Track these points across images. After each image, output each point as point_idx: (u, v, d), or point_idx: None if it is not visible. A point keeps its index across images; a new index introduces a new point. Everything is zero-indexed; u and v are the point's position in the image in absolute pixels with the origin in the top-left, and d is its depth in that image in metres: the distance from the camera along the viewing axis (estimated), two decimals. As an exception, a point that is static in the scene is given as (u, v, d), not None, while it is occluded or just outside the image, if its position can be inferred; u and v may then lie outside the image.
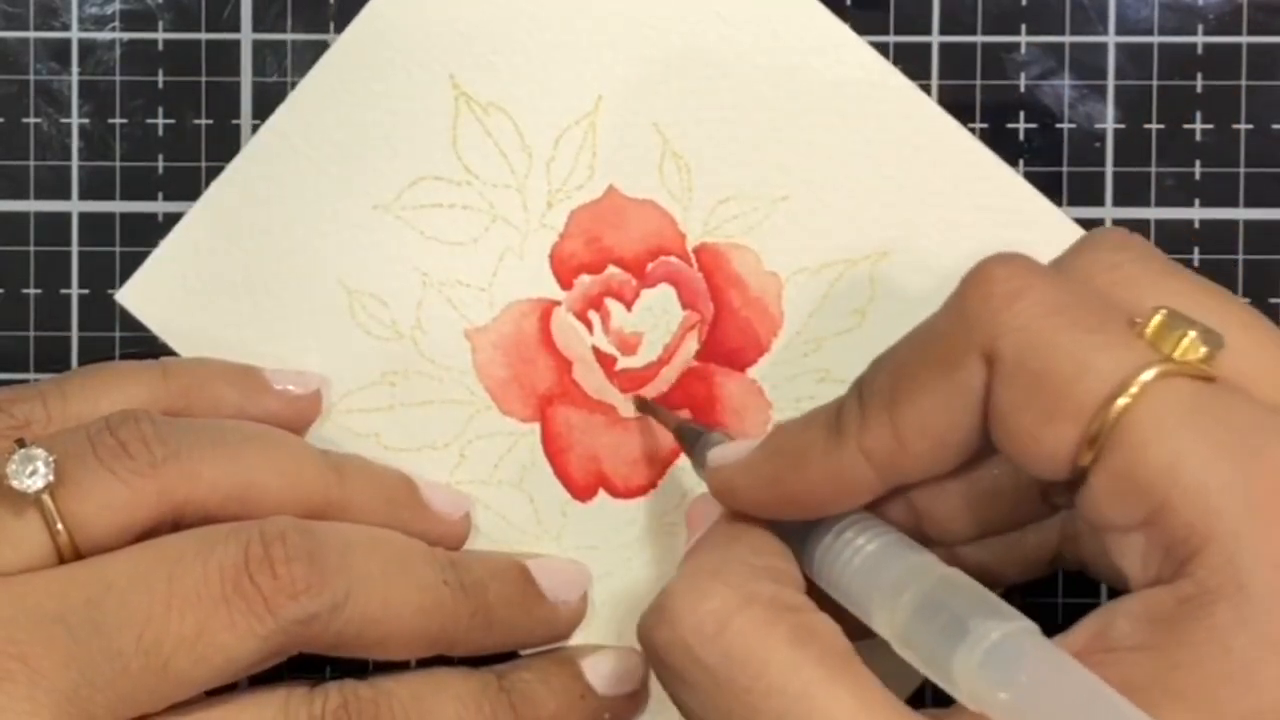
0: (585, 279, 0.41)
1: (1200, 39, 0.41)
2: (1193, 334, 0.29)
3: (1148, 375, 0.28)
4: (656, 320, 0.41)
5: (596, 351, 0.41)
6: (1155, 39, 0.41)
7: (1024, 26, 0.41)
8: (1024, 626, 0.29)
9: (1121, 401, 0.28)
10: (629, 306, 0.41)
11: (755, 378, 0.40)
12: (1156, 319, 0.29)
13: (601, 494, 0.41)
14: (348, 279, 0.40)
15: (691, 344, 0.41)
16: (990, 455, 0.32)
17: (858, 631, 0.31)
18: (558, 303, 0.41)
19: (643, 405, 0.40)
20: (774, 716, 0.29)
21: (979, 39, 0.41)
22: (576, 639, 0.40)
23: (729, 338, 0.41)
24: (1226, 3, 0.41)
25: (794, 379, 0.40)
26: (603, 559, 0.40)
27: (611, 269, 0.41)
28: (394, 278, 0.41)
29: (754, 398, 0.40)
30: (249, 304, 0.40)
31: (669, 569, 0.40)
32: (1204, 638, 0.28)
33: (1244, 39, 0.41)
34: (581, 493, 0.41)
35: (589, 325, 0.41)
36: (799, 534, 0.33)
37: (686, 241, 0.40)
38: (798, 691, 0.29)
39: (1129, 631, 0.29)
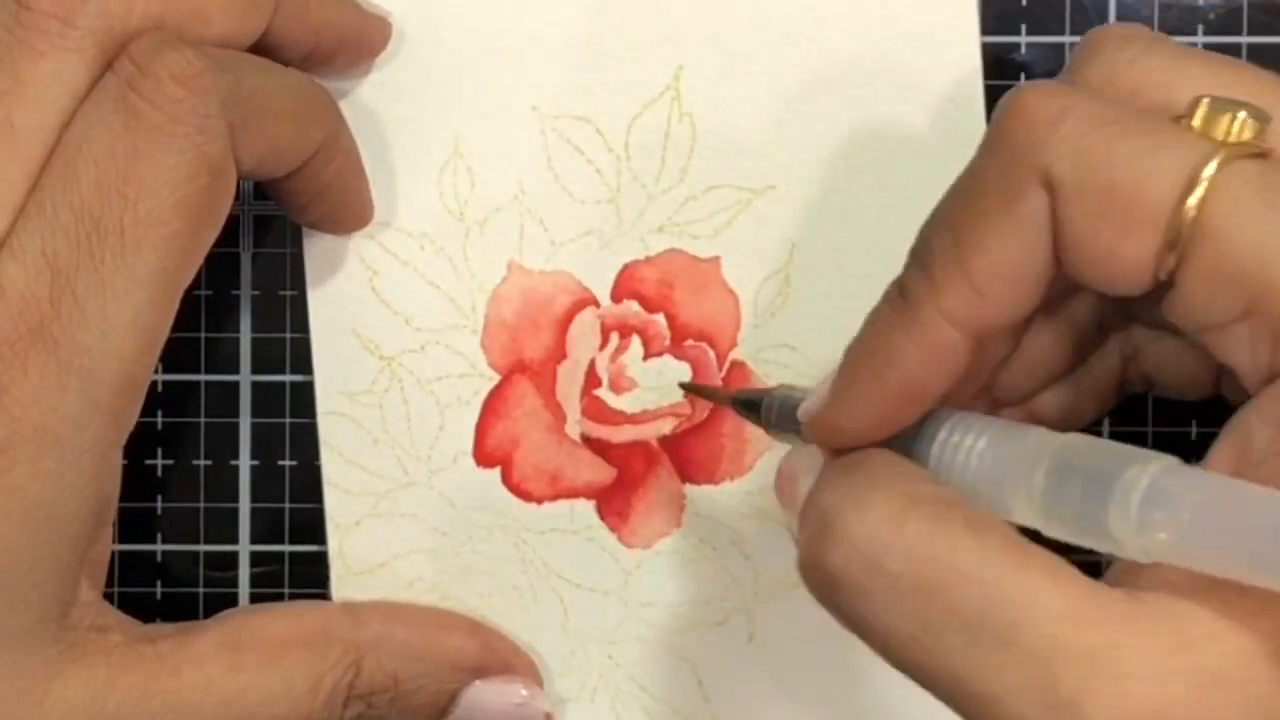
0: (634, 306, 0.40)
1: (1200, 39, 0.40)
2: (1242, 114, 0.29)
3: (1212, 165, 0.28)
4: (656, 383, 0.40)
5: (591, 365, 0.41)
6: None
7: (1024, 26, 0.40)
8: (1166, 464, 0.28)
9: (1195, 198, 0.27)
10: (647, 356, 0.40)
11: (686, 492, 0.41)
12: (1202, 108, 0.29)
13: (498, 471, 0.41)
14: (467, 132, 0.40)
15: (664, 427, 0.41)
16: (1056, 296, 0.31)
17: None
18: (596, 303, 0.41)
19: (687, 386, 0.40)
20: (972, 607, 0.28)
21: (979, 39, 0.40)
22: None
23: (696, 449, 0.41)
24: (1226, 3, 0.40)
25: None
26: (453, 523, 0.41)
27: (660, 318, 0.40)
28: (503, 161, 0.40)
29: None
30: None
31: (499, 568, 0.41)
32: None
33: (1244, 39, 0.40)
34: (483, 458, 0.41)
35: (604, 342, 0.41)
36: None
37: (738, 350, 0.40)
38: (992, 577, 0.28)
39: (1272, 435, 0.28)
